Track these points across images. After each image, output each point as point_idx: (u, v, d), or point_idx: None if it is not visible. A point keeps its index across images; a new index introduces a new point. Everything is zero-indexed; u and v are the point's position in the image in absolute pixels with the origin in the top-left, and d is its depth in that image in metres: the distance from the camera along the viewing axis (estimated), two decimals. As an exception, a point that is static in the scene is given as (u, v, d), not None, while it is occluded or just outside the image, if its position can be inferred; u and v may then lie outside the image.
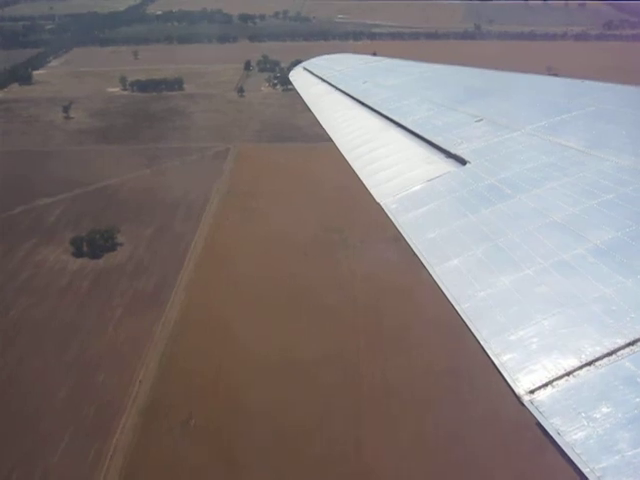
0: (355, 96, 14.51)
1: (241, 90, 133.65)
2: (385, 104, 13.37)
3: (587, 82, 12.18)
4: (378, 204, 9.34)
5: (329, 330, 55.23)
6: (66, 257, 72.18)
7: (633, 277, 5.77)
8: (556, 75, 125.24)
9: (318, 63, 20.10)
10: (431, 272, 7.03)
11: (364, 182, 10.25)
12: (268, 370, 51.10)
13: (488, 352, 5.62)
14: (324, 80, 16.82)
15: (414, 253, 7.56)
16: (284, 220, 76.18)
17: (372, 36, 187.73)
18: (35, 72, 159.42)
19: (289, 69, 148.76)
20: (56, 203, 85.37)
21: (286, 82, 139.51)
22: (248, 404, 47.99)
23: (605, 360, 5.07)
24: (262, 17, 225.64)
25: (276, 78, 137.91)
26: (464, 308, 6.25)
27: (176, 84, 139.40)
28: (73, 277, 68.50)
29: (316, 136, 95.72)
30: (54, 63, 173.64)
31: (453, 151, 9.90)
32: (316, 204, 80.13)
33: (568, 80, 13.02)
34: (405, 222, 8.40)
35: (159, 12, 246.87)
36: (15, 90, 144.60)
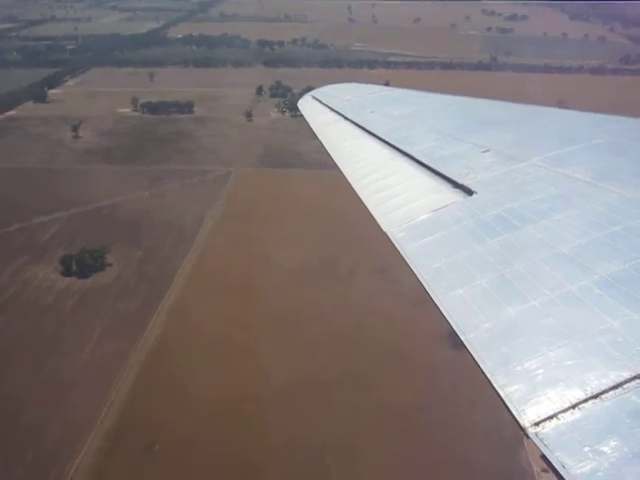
0: (362, 125, 14.59)
1: (249, 115, 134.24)
2: (392, 133, 13.42)
3: (594, 114, 12.17)
4: (384, 232, 9.36)
5: (297, 361, 54.61)
6: (55, 275, 72.35)
7: (639, 309, 5.76)
8: (566, 107, 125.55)
9: (326, 92, 20.23)
10: (436, 302, 7.00)
11: (371, 210, 10.27)
12: (238, 400, 50.55)
13: (493, 383, 5.53)
14: (332, 109, 16.93)
15: (419, 282, 7.51)
16: (275, 247, 75.77)
17: (387, 65, 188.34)
18: (51, 91, 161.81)
19: (300, 95, 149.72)
20: (52, 221, 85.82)
21: (295, 108, 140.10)
22: (213, 434, 47.51)
23: (611, 393, 5.01)
24: (280, 43, 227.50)
25: (285, 104, 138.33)
26: (469, 338, 6.19)
27: (186, 107, 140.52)
28: (59, 295, 68.58)
29: (318, 163, 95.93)
30: (71, 82, 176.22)
31: (460, 181, 9.89)
32: (310, 231, 79.75)
33: (576, 112, 12.94)
34: (411, 251, 8.39)
35: (179, 35, 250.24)
36: (29, 108, 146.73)
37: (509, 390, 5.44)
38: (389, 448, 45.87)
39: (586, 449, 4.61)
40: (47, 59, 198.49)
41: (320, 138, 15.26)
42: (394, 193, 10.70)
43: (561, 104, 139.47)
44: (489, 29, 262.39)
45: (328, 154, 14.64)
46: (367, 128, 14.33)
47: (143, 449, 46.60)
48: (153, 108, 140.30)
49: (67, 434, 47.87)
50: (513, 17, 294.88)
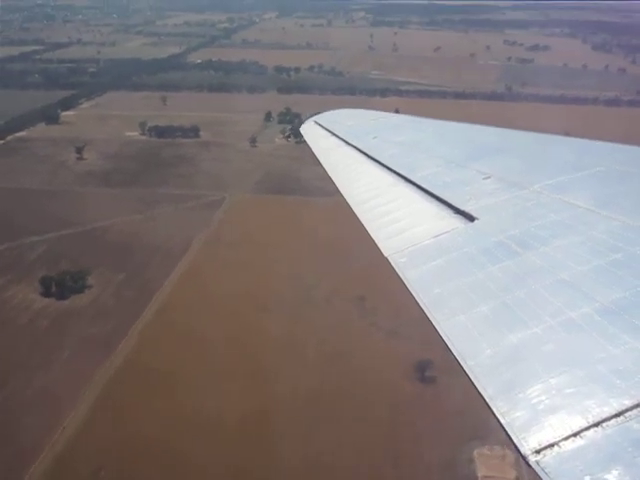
0: (365, 151, 14.61)
1: (253, 140, 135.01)
2: (394, 159, 13.49)
3: (597, 142, 12.22)
4: (385, 258, 9.30)
5: (258, 391, 54.01)
6: (34, 296, 72.82)
7: None
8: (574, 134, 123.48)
9: (329, 117, 20.06)
10: (437, 328, 6.96)
11: (372, 235, 10.23)
12: (194, 428, 50.05)
13: (494, 410, 5.47)
14: (334, 134, 16.99)
15: (421, 308, 7.49)
16: (257, 274, 75.61)
17: (399, 93, 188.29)
18: (65, 113, 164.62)
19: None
20: (41, 242, 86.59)
21: (300, 134, 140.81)
22: (163, 462, 47.04)
23: (613, 421, 4.97)
24: (297, 70, 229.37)
25: (290, 130, 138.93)
26: (470, 365, 6.17)
27: (192, 132, 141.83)
28: (34, 316, 69.01)
29: (316, 190, 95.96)
30: (85, 105, 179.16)
31: (461, 207, 9.94)
32: (294, 258, 79.33)
33: (578, 140, 13.01)
34: (412, 277, 8.36)
35: (198, 61, 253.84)
36: (40, 129, 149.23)
37: (510, 417, 5.37)
38: None
39: (587, 478, 4.58)
40: (66, 81, 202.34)
41: (322, 163, 15.35)
42: (396, 218, 10.76)
43: (565, 134, 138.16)
44: (509, 59, 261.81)
45: (328, 181, 14.78)
46: (369, 154, 14.41)
47: (90, 474, 46.38)
48: (160, 132, 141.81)
49: (16, 457, 47.76)
50: (535, 47, 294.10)
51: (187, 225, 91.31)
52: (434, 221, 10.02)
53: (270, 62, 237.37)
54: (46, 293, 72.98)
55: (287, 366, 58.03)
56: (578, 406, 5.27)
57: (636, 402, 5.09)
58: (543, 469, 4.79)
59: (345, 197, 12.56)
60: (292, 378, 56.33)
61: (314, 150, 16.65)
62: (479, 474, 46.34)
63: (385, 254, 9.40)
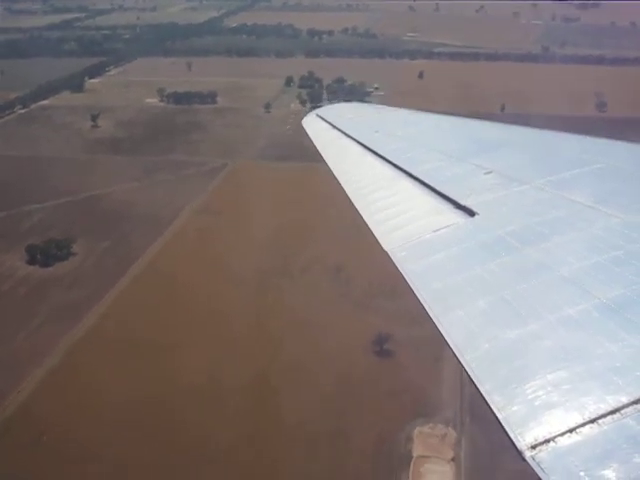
0: (366, 144, 14.53)
1: (268, 106, 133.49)
2: (395, 153, 13.42)
3: (598, 139, 12.28)
4: (385, 252, 9.26)
5: (213, 360, 54.16)
6: (20, 264, 74.13)
7: (639, 334, 5.75)
8: (603, 102, 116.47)
9: (331, 111, 20.08)
10: (436, 322, 6.90)
11: (372, 230, 10.20)
12: (146, 398, 50.16)
13: (491, 405, 5.46)
14: (336, 127, 16.99)
15: (419, 303, 7.40)
16: (239, 244, 75.00)
17: (429, 55, 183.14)
18: (91, 80, 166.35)
19: (329, 87, 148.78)
20: (39, 210, 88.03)
21: (316, 99, 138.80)
22: (107, 430, 47.30)
23: (609, 418, 4.99)
24: (330, 33, 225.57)
25: (307, 96, 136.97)
26: (468, 360, 6.16)
27: (209, 97, 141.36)
28: (15, 283, 70.37)
29: (320, 156, 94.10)
30: (113, 72, 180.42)
31: (462, 202, 9.94)
32: (281, 229, 78.37)
33: (579, 137, 12.87)
34: (411, 271, 8.38)
35: (234, 25, 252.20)
36: (64, 97, 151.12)
37: (507, 412, 5.37)
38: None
39: (583, 474, 4.59)
40: (99, 49, 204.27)
41: (323, 156, 15.26)
42: (396, 213, 10.76)
43: (598, 97, 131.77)
44: (553, 18, 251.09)
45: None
46: (371, 147, 14.34)
47: (32, 439, 47.14)
48: (178, 98, 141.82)
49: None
50: (584, 5, 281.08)
51: (181, 193, 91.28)
52: (434, 215, 10.05)
53: (305, 25, 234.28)
54: (31, 261, 74.18)
55: (248, 336, 57.77)
56: (575, 402, 5.25)
57: (632, 399, 5.08)
58: (538, 464, 4.78)
59: (346, 190, 12.47)
60: (249, 347, 56.18)
61: (315, 143, 16.54)
62: (415, 454, 45.00)
63: (385, 248, 9.32)
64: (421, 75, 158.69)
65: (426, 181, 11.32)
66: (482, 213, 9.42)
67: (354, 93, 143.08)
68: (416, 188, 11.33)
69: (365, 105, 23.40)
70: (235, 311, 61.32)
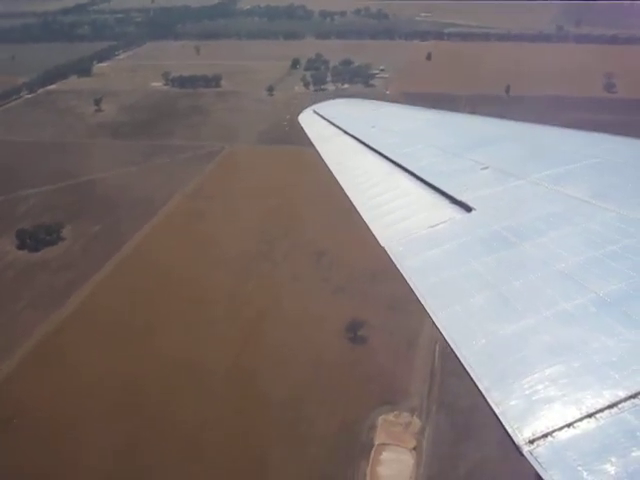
0: (363, 140, 14.63)
1: (271, 89, 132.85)
2: (392, 149, 13.49)
3: (594, 134, 12.24)
4: (382, 247, 9.36)
5: (191, 341, 54.81)
6: (10, 248, 74.95)
7: (635, 329, 5.79)
8: (612, 83, 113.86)
9: (328, 107, 20.15)
10: (433, 317, 7.00)
11: (369, 225, 10.24)
12: (121, 382, 50.44)
13: (488, 400, 5.52)
14: (333, 123, 17.09)
15: (417, 298, 7.46)
16: (227, 228, 75.10)
17: (440, 36, 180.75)
18: (100, 64, 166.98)
19: (335, 69, 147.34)
20: (35, 195, 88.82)
21: (320, 82, 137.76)
22: (79, 418, 47.64)
23: (606, 412, 5.03)
24: (342, 14, 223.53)
25: (311, 78, 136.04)
26: (465, 354, 6.22)
27: (213, 81, 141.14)
28: (3, 267, 71.02)
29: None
30: (122, 56, 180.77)
31: (458, 198, 10.00)
32: (270, 213, 78.29)
33: (575, 131, 13.05)
34: (409, 266, 8.46)
35: (247, 7, 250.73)
36: (71, 82, 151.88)
37: (504, 407, 5.39)
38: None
39: (580, 468, 4.61)
40: (112, 32, 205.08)
41: (320, 152, 15.27)
42: (393, 208, 10.80)
43: (609, 78, 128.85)
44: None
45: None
46: (367, 143, 14.39)
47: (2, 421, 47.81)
48: (182, 82, 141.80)
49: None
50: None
51: (175, 177, 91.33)
52: (431, 211, 10.06)
53: (318, 6, 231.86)
54: (21, 245, 74.86)
55: (226, 318, 58.10)
56: (572, 397, 5.26)
57: (629, 393, 5.09)
58: (536, 459, 4.78)
59: (343, 186, 12.50)
60: (227, 329, 56.58)
61: (312, 139, 16.54)
62: (376, 441, 44.71)
63: (382, 244, 9.32)
64: (429, 56, 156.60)
65: (423, 177, 11.35)
66: (479, 208, 9.46)
67: (359, 75, 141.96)
68: (413, 184, 11.35)
69: (362, 101, 23.36)
70: (212, 296, 61.44)
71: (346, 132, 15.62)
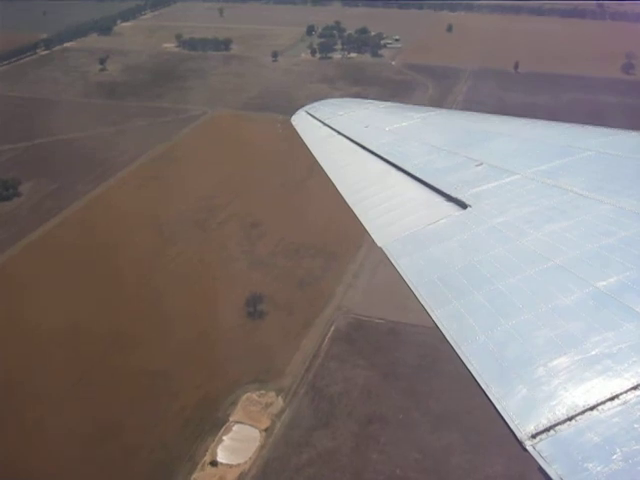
0: (356, 140, 14.64)
1: (275, 55, 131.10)
2: (386, 148, 13.52)
3: (587, 127, 12.35)
4: (379, 247, 9.45)
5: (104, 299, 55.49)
6: (-36, 202, 76.52)
7: (635, 321, 5.82)
8: (631, 64, 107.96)
9: (320, 107, 19.83)
10: (431, 315, 7.09)
11: (364, 225, 10.34)
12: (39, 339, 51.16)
13: (490, 396, 5.61)
14: (325, 124, 16.90)
15: (415, 296, 7.59)
16: (178, 193, 74.91)
17: (470, 8, 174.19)
18: (123, 24, 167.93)
19: (349, 36, 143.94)
20: (8, 151, 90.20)
21: (327, 50, 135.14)
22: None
23: (608, 405, 5.08)
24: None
25: (318, 46, 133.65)
26: (465, 351, 6.30)
27: (224, 45, 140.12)
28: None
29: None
30: (147, 16, 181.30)
31: (454, 195, 10.03)
32: (223, 182, 77.65)
33: (568, 125, 13.08)
34: (405, 265, 8.53)
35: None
36: (90, 40, 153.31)
37: (506, 403, 5.43)
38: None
39: (584, 461, 4.63)
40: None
41: (314, 153, 15.20)
42: (388, 207, 10.79)
43: (629, 58, 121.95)
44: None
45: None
46: (361, 143, 14.33)
47: None
48: (193, 44, 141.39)
49: None
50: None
51: (148, 139, 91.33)
52: (427, 209, 10.04)
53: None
54: (-23, 199, 76.44)
55: (135, 283, 58.07)
56: (573, 390, 5.28)
57: (631, 385, 5.11)
58: (539, 453, 4.80)
59: (337, 187, 12.39)
60: (129, 290, 56.85)
61: (305, 140, 16.26)
62: (231, 418, 44.06)
63: (378, 244, 9.33)
64: (449, 28, 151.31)
65: (417, 175, 11.29)
66: (474, 205, 9.40)
67: (369, 44, 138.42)
68: (408, 182, 11.30)
69: (354, 100, 22.82)
70: (138, 256, 61.55)
71: (339, 132, 15.43)
